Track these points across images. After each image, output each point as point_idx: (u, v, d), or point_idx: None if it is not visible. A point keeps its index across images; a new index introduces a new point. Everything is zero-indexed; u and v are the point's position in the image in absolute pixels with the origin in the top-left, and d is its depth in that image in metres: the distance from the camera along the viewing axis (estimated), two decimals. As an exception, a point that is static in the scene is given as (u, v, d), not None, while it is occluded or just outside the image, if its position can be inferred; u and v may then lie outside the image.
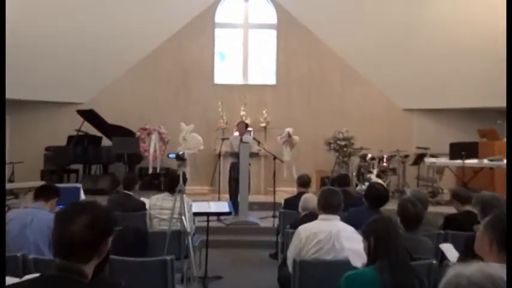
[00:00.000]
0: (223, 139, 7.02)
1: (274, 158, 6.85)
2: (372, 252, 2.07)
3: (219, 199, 7.07)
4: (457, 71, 8.68)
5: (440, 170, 8.73)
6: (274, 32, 10.01)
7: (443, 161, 7.96)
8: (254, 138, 7.08)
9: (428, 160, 8.05)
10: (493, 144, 8.40)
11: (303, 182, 5.04)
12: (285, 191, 8.87)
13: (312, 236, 2.88)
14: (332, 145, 7.87)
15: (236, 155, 6.72)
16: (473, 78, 8.67)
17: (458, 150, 7.78)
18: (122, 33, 8.79)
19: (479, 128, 9.36)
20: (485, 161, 7.61)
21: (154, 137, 7.98)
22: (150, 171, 8.08)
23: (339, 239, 2.79)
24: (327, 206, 3.03)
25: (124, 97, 9.67)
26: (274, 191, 7.05)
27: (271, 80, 10.07)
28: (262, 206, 7.92)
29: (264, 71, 10.14)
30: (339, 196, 3.10)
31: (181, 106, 9.70)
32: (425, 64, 8.93)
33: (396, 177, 8.90)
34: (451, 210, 6.85)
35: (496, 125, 8.80)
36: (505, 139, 8.54)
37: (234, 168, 6.90)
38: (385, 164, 8.47)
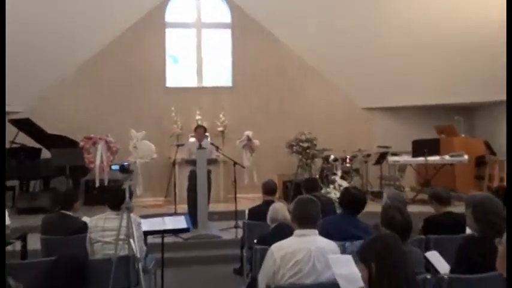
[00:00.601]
0: (178, 145, 6.42)
1: (235, 163, 6.36)
2: (376, 281, 1.62)
3: (175, 211, 6.45)
4: (414, 67, 8.62)
5: (402, 168, 8.62)
6: (228, 32, 9.54)
7: (406, 158, 7.83)
8: (212, 144, 6.53)
9: (391, 159, 7.88)
10: (452, 140, 8.40)
11: (269, 189, 4.58)
12: (247, 198, 8.40)
13: (288, 256, 2.41)
14: (294, 147, 7.49)
15: (194, 162, 6.16)
16: (430, 74, 8.65)
17: (420, 147, 7.67)
18: (62, 35, 7.97)
19: (437, 125, 9.40)
20: (447, 157, 7.54)
21: (100, 146, 7.20)
22: (97, 184, 7.29)
23: (320, 258, 2.34)
24: (304, 219, 2.57)
25: (67, 104, 8.81)
26: (236, 199, 6.54)
27: (227, 81, 9.57)
28: (223, 216, 7.39)
29: (219, 72, 9.63)
30: (316, 206, 2.66)
31: (131, 112, 8.97)
32: (384, 61, 8.80)
33: (359, 178, 8.68)
34: (419, 209, 6.80)
35: (454, 121, 8.85)
36: (463, 135, 8.61)
37: (194, 177, 6.34)
38: (348, 164, 8.22)
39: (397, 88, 9.08)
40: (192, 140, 6.79)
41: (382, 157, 8.46)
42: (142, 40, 9.10)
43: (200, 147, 6.35)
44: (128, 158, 7.92)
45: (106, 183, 7.31)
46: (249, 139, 7.83)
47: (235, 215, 6.47)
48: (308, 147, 7.44)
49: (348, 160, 8.25)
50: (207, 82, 9.43)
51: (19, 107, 8.48)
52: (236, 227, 6.29)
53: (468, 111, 9.64)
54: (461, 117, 8.67)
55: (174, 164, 6.23)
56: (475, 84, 8.42)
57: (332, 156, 8.33)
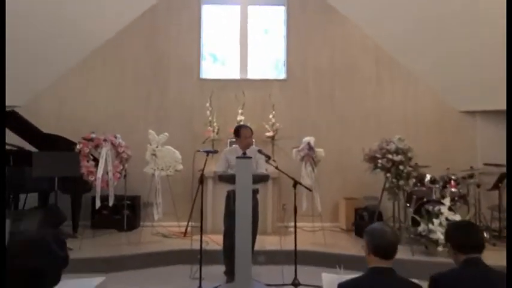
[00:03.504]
0: (208, 153, 4.23)
1: (295, 183, 4.05)
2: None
3: (201, 247, 4.22)
4: None
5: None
6: (282, 9, 7.36)
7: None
8: (260, 152, 4.29)
9: (522, 182, 5.26)
10: None
11: (382, 250, 2.23)
12: (303, 228, 6.09)
13: None
14: (379, 161, 5.09)
15: (233, 179, 3.96)
16: None
17: None
18: (73, 16, 6.10)
19: None
20: None
21: (105, 150, 5.17)
22: (98, 204, 5.24)
23: None
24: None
25: (73, 98, 6.94)
26: (296, 236, 4.22)
27: (280, 73, 7.35)
28: (271, 258, 5.11)
29: (269, 61, 7.43)
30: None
31: (152, 109, 6.95)
32: (490, 55, 6.23)
33: (466, 208, 6.11)
34: None
35: None
36: None
37: (231, 200, 4.15)
38: (453, 189, 5.69)
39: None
40: (233, 146, 4.59)
41: (501, 180, 5.88)
42: (173, 18, 7.11)
43: (244, 155, 4.15)
44: (145, 167, 5.89)
45: (111, 202, 5.23)
46: (310, 148, 5.57)
47: (295, 258, 4.15)
48: (401, 162, 5.01)
49: (452, 183, 5.73)
50: (253, 74, 7.26)
51: (18, 101, 6.69)
52: (295, 284, 3.98)
53: None
54: None
55: (201, 179, 4.02)
56: None
57: (428, 177, 5.84)
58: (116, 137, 5.33)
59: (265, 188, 6.14)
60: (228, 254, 4.32)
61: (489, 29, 5.94)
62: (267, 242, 5.52)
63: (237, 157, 3.96)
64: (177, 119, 6.89)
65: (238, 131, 4.49)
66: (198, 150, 4.27)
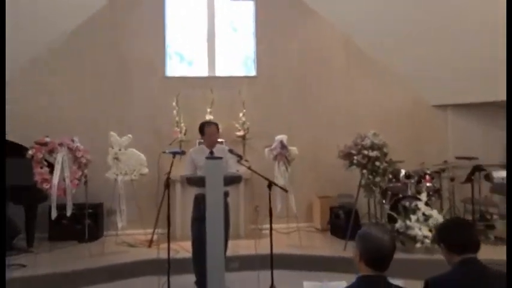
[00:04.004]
0: (174, 154, 3.88)
1: (270, 184, 3.78)
2: None
3: (168, 256, 3.87)
4: (503, 51, 5.99)
5: (502, 189, 5.94)
6: (251, 4, 7.09)
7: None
8: (231, 151, 4.00)
9: (497, 175, 5.23)
10: None
11: (381, 264, 1.98)
12: (278, 231, 5.84)
13: None
14: (355, 158, 4.90)
15: (201, 181, 3.64)
16: None
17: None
18: (26, 4, 5.59)
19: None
20: None
21: (61, 156, 4.73)
22: (54, 215, 4.79)
23: None
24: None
25: (24, 98, 6.36)
26: (272, 240, 3.94)
27: (249, 70, 7.08)
28: (245, 263, 4.84)
29: (238, 58, 7.14)
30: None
31: (113, 109, 6.50)
32: (461, 48, 6.20)
33: (438, 203, 6.04)
34: None
35: None
36: None
37: (201, 205, 3.82)
38: (428, 184, 5.59)
39: (478, 80, 6.45)
40: (198, 146, 4.26)
41: (474, 173, 5.85)
42: (133, 13, 6.70)
43: (212, 155, 3.85)
44: (106, 172, 5.47)
45: (69, 212, 4.80)
46: (282, 146, 5.33)
47: (271, 262, 3.88)
48: (377, 158, 4.84)
49: (427, 177, 5.64)
50: (222, 71, 6.95)
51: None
52: (273, 291, 3.72)
53: None
54: None
55: (167, 183, 3.67)
56: None
57: (403, 172, 5.73)
58: (73, 141, 4.90)
59: (237, 189, 5.86)
60: (198, 262, 4.02)
61: (460, 23, 5.91)
62: (240, 247, 5.24)
63: (206, 157, 3.66)
64: (141, 120, 6.49)
65: (202, 128, 4.18)
66: (164, 152, 3.93)
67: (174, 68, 6.91)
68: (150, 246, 5.31)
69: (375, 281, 1.91)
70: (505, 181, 5.25)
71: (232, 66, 7.05)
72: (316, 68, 6.96)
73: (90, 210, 5.63)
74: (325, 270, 4.60)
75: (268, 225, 5.73)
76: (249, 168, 3.82)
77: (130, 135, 5.38)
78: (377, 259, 1.91)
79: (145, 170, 5.35)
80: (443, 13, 5.95)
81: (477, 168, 5.85)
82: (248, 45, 7.07)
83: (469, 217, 5.96)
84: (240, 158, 3.86)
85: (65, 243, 5.57)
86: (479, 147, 6.64)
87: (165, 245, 4.03)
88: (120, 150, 5.27)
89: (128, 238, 5.73)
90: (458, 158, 6.52)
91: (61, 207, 5.02)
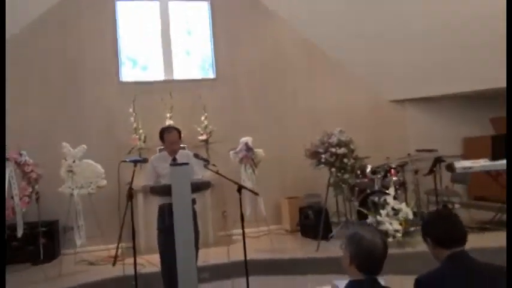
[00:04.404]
0: (135, 162, 3.61)
1: (240, 188, 3.60)
2: None
3: (135, 270, 3.59)
4: (454, 46, 6.18)
5: (463, 178, 6.11)
6: (205, 4, 6.90)
7: (484, 164, 5.29)
8: (197, 156, 3.78)
9: (459, 165, 5.34)
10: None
11: (373, 269, 1.87)
12: (249, 235, 5.65)
13: None
14: (323, 156, 4.82)
15: (166, 191, 3.40)
16: (479, 54, 6.24)
17: (500, 146, 5.19)
18: None
19: (494, 116, 7.06)
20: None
21: (8, 171, 4.30)
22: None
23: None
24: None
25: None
26: (245, 245, 3.75)
27: (207, 72, 6.88)
28: (217, 272, 4.63)
29: (196, 60, 6.92)
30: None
31: (64, 118, 6.08)
32: (418, 43, 6.34)
33: (403, 196, 6.11)
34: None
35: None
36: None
37: (166, 216, 3.58)
38: (394, 178, 5.64)
39: (433, 74, 6.64)
40: (159, 153, 4.00)
41: (436, 164, 5.96)
42: (83, 16, 6.31)
43: (175, 161, 3.61)
44: (60, 187, 5.07)
45: (20, 232, 4.38)
46: (248, 148, 5.18)
47: (246, 269, 3.69)
48: (345, 155, 4.79)
49: (392, 171, 5.68)
50: (180, 74, 6.70)
51: None
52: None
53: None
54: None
55: (130, 193, 3.39)
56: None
57: (369, 167, 5.74)
58: (20, 154, 4.48)
59: (203, 196, 5.64)
60: (168, 276, 3.76)
61: (418, 17, 6.03)
62: (210, 255, 5.00)
63: (171, 164, 3.42)
64: (96, 129, 6.11)
65: (162, 134, 3.90)
66: (124, 161, 3.64)
67: (128, 73, 6.58)
68: (114, 263, 4.96)
69: (367, 285, 1.79)
70: (466, 171, 5.38)
71: (189, 69, 6.81)
72: (277, 69, 6.87)
73: (44, 229, 5.19)
74: (300, 273, 4.49)
75: (237, 231, 5.69)
76: (217, 172, 3.62)
77: (84, 146, 5.01)
78: (370, 262, 1.78)
79: (103, 182, 5.00)
80: (401, 10, 6.06)
81: (438, 160, 5.97)
82: (205, 48, 6.87)
83: (433, 208, 6.08)
84: (207, 162, 3.65)
85: (17, 267, 5.09)
86: (438, 140, 6.81)
87: (130, 260, 3.75)
88: (74, 162, 4.89)
89: (88, 256, 5.34)
90: (418, 150, 6.63)
91: (11, 228, 4.59)
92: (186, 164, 3.34)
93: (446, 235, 1.98)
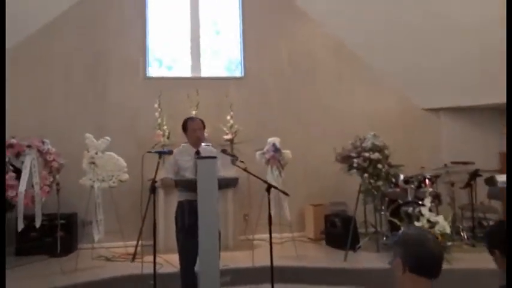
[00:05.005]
0: (160, 153, 3.42)
1: (269, 187, 3.37)
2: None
3: (154, 270, 3.40)
4: (497, 54, 5.85)
5: (500, 194, 5.73)
6: (236, 2, 6.76)
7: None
8: (225, 151, 3.58)
9: (501, 178, 4.99)
10: None
11: (430, 268, 1.65)
12: (267, 240, 5.39)
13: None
14: (355, 161, 4.56)
15: (189, 185, 3.21)
16: None
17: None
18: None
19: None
20: None
21: (29, 159, 4.20)
22: (20, 226, 4.23)
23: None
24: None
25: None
26: (272, 250, 3.51)
27: (236, 70, 6.71)
28: (238, 277, 4.40)
29: (224, 57, 6.77)
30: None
31: (88, 112, 6.00)
32: (451, 53, 6.03)
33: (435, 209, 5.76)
34: None
35: None
36: None
37: (185, 212, 3.38)
38: (430, 188, 5.30)
39: (470, 83, 6.29)
40: (181, 146, 3.79)
41: (473, 178, 5.62)
42: (111, 10, 6.26)
43: (198, 154, 3.40)
44: (81, 178, 4.94)
45: (38, 223, 4.25)
46: (275, 149, 4.95)
47: (271, 275, 3.45)
48: (379, 160, 4.52)
49: (427, 182, 5.36)
50: (207, 71, 6.56)
51: None
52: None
53: None
54: None
55: (153, 187, 3.20)
56: None
57: (402, 176, 5.43)
58: (43, 143, 4.37)
59: (224, 196, 5.44)
60: (186, 277, 3.55)
61: (454, 25, 5.74)
62: (230, 260, 4.77)
63: (197, 157, 3.22)
64: (120, 123, 6.00)
65: (185, 124, 3.70)
66: (149, 152, 3.47)
67: (154, 70, 6.47)
68: (133, 259, 4.79)
69: None
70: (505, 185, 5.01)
71: (216, 69, 6.65)
72: (306, 71, 6.65)
73: (63, 221, 5.07)
74: (327, 283, 4.21)
75: (258, 236, 5.45)
76: (245, 169, 3.40)
77: (108, 138, 4.88)
78: (426, 259, 1.57)
79: (125, 176, 4.85)
80: (436, 15, 5.78)
81: (475, 173, 5.63)
82: (232, 48, 6.71)
83: (469, 224, 5.71)
84: (235, 158, 3.44)
85: (34, 258, 4.99)
86: (474, 152, 6.45)
87: (148, 259, 3.57)
88: (96, 153, 4.76)
89: (105, 252, 5.19)
90: (454, 162, 6.29)
91: (29, 218, 4.48)
92: (214, 157, 3.13)
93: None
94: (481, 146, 6.66)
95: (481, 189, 5.94)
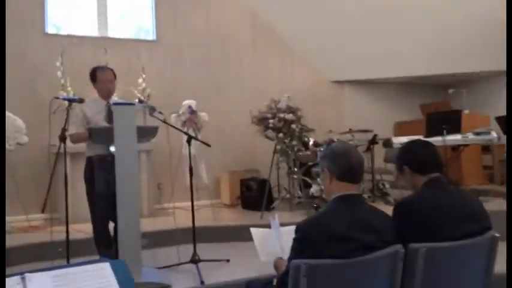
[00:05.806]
0: (70, 101, 3.07)
1: (190, 138, 3.26)
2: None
3: (67, 238, 3.12)
4: (394, 32, 6.45)
5: (393, 157, 6.34)
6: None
7: (420, 140, 5.51)
8: (141, 101, 3.40)
9: (397, 140, 5.52)
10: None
11: (354, 174, 1.82)
12: (185, 209, 5.32)
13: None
14: (271, 121, 4.66)
15: (103, 135, 2.98)
16: (415, 42, 6.57)
17: (437, 123, 5.44)
18: None
19: (424, 103, 7.46)
20: (471, 135, 5.45)
21: None
22: None
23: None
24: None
25: None
26: (193, 211, 3.45)
27: (148, 32, 6.38)
28: (157, 239, 4.28)
29: (135, 18, 6.37)
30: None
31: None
32: (357, 26, 6.49)
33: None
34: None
35: (448, 96, 6.85)
36: (466, 111, 6.67)
37: (94, 168, 3.11)
38: (336, 151, 5.65)
39: (373, 58, 6.85)
40: (90, 97, 3.43)
41: (372, 142, 6.13)
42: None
43: (109, 107, 3.11)
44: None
45: None
46: (191, 111, 4.86)
47: (193, 236, 3.43)
48: (293, 121, 4.68)
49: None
50: (115, 31, 6.13)
51: None
52: (196, 261, 3.27)
53: (463, 84, 7.66)
54: (461, 89, 6.72)
55: (63, 136, 2.83)
56: (467, 54, 6.66)
57: (312, 140, 5.71)
58: None
59: (137, 163, 5.18)
60: (101, 240, 3.31)
61: (355, 4, 6.15)
62: (146, 226, 4.60)
63: (114, 103, 3.00)
64: (17, 83, 5.33)
65: (94, 74, 3.41)
66: (56, 97, 3.14)
67: (56, 28, 5.85)
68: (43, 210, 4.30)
69: (353, 198, 1.69)
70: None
71: (125, 31, 6.25)
72: (221, 40, 6.60)
73: None
74: (245, 239, 4.27)
75: (170, 204, 5.30)
76: (164, 121, 3.26)
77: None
78: (350, 166, 1.73)
79: (25, 139, 4.36)
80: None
81: (374, 140, 6.14)
82: (145, 7, 6.37)
83: (369, 186, 6.25)
84: (152, 109, 3.27)
85: None
86: (373, 122, 7.03)
87: (56, 229, 3.26)
88: (-12, 114, 4.18)
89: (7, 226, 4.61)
90: (355, 130, 6.80)
91: None
92: (132, 103, 2.95)
93: (424, 160, 1.94)
94: (380, 116, 7.30)
95: (379, 155, 6.52)
